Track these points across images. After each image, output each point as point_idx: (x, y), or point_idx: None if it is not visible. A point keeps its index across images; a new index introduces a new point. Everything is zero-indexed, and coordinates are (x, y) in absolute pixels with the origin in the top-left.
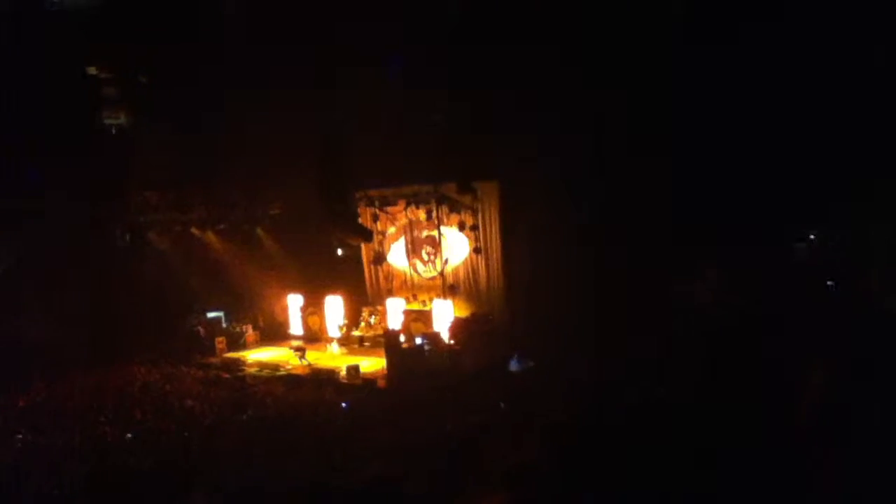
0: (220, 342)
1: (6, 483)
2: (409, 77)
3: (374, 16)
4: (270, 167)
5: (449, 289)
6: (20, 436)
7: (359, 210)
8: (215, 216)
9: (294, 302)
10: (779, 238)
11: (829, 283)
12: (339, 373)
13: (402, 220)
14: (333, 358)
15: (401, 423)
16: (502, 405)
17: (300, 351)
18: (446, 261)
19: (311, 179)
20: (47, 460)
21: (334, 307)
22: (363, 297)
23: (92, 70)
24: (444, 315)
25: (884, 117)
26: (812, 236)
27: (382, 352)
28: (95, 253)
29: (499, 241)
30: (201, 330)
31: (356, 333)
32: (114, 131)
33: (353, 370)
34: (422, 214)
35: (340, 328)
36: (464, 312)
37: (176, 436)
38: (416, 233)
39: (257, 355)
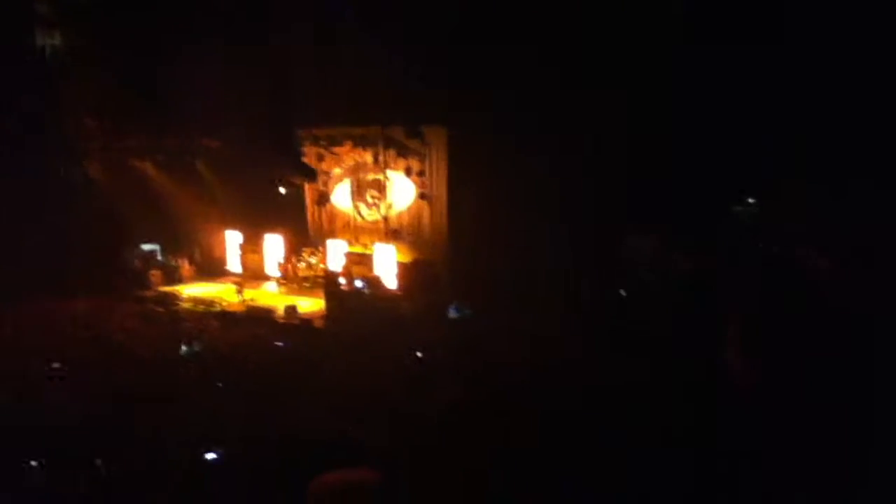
0: (155, 275)
1: None
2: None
3: None
4: (210, 100)
5: (392, 233)
6: None
7: (303, 149)
8: (152, 145)
9: (233, 238)
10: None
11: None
12: (276, 312)
13: (348, 162)
14: (271, 297)
15: (339, 367)
16: (419, 354)
17: (239, 286)
18: (391, 205)
19: (251, 116)
20: None
21: (274, 246)
22: (304, 237)
23: None
24: (386, 259)
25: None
26: (751, 200)
27: (321, 293)
28: (26, 179)
29: (445, 189)
30: (136, 262)
31: (298, 274)
32: (48, 52)
33: (291, 310)
34: (368, 157)
35: (279, 267)
36: (406, 258)
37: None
38: (361, 175)
39: (193, 290)
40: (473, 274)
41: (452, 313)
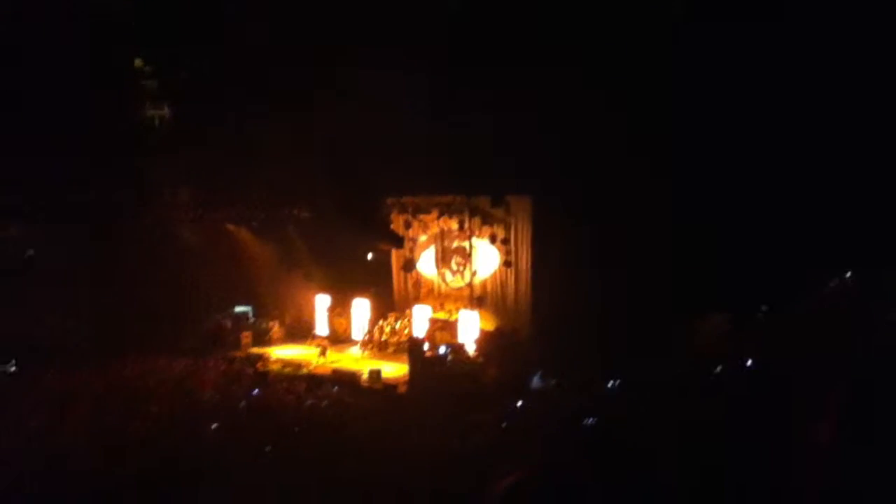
0: (246, 337)
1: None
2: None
3: (407, 23)
4: (299, 170)
5: (476, 300)
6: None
7: (391, 216)
8: (244, 215)
9: (321, 302)
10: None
11: None
12: (360, 376)
13: (434, 229)
14: (356, 360)
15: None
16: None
17: (322, 348)
18: (475, 272)
19: (337, 184)
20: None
21: (361, 310)
22: (390, 302)
23: (138, 63)
24: (470, 326)
25: None
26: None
27: (405, 358)
28: (124, 245)
29: (529, 256)
30: (228, 323)
31: (382, 338)
32: (157, 124)
33: (375, 375)
34: (454, 224)
35: (366, 333)
36: (489, 325)
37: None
38: (447, 242)
39: (282, 352)
40: (557, 343)
41: (535, 383)
